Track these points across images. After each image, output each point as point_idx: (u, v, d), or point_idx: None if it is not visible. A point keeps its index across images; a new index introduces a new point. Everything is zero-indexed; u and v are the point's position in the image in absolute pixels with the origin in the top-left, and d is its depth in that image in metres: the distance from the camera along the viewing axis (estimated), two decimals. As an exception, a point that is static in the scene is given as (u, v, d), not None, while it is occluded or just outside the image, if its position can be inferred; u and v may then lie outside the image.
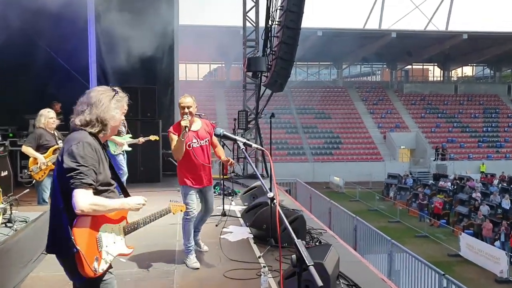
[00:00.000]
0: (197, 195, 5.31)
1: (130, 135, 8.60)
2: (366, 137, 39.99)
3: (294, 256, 1.88)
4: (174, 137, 4.97)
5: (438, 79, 52.23)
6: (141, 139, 8.60)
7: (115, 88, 2.84)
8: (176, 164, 5.22)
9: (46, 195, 6.55)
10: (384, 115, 42.79)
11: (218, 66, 51.84)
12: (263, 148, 3.22)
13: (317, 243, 5.86)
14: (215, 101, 41.20)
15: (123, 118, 2.91)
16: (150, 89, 11.00)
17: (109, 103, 2.74)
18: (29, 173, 6.45)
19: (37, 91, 10.53)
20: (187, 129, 4.80)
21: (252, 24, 12.75)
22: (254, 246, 6.00)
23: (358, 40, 39.86)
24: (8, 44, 10.27)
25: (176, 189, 10.08)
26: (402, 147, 38.88)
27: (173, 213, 3.39)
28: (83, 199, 2.48)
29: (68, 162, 2.55)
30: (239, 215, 7.65)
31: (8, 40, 10.35)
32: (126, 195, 2.97)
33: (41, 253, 5.27)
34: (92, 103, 2.72)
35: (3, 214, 4.95)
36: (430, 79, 53.68)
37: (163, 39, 11.58)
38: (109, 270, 2.81)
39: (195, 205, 5.21)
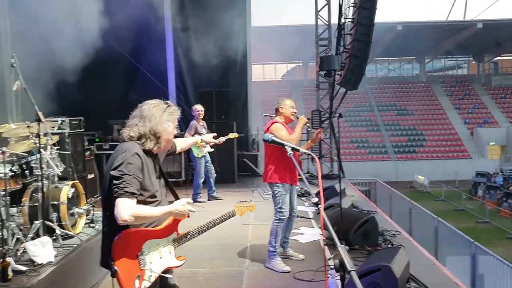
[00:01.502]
0: None
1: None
2: (451, 133, 38.19)
3: (337, 261, 1.87)
4: (282, 127, 5.13)
5: (531, 69, 48.66)
6: (221, 139, 8.78)
7: (167, 101, 2.88)
8: (251, 164, 5.30)
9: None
10: (471, 110, 40.64)
11: (296, 65, 51.92)
12: (311, 153, 3.16)
13: (389, 246, 5.71)
14: (294, 100, 41.26)
15: (203, 122, 2.98)
16: (224, 92, 11.26)
17: (161, 116, 2.77)
18: None
19: (120, 97, 11.13)
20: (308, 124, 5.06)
21: (324, 22, 12.64)
22: (325, 248, 5.95)
23: (441, 33, 38.15)
24: (94, 54, 10.98)
25: (251, 189, 10.29)
26: (491, 143, 36.65)
27: (240, 215, 3.29)
28: (125, 209, 2.49)
29: (113, 171, 2.58)
30: (311, 216, 7.62)
31: (94, 50, 11.08)
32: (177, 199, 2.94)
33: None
34: (145, 116, 2.75)
35: (87, 215, 5.32)
36: (522, 70, 50.16)
37: (236, 42, 11.83)
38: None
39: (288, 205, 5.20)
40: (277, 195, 5.11)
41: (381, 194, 15.97)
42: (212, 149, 8.70)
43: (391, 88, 44.50)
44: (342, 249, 1.85)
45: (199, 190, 8.98)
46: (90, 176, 8.34)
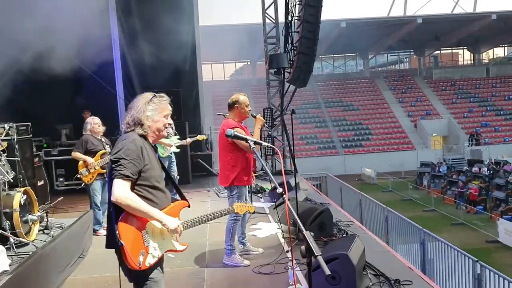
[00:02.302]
0: None
1: (178, 137, 8.75)
2: (396, 126, 39.56)
3: (303, 247, 1.96)
4: (240, 130, 4.84)
5: (469, 62, 51.04)
6: (189, 140, 8.74)
7: (158, 93, 3.08)
8: (205, 165, 5.32)
9: (98, 199, 6.77)
10: (414, 103, 42.22)
11: (243, 64, 52.07)
12: (273, 146, 3.31)
13: (344, 235, 5.90)
14: (242, 99, 41.36)
15: (169, 121, 3.07)
16: (175, 92, 11.19)
17: (144, 105, 2.96)
18: (78, 175, 6.69)
19: (67, 102, 10.87)
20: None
21: (271, 21, 12.79)
22: (283, 241, 6.09)
23: (383, 29, 39.46)
24: (38, 58, 10.64)
25: (206, 189, 10.30)
26: (434, 134, 38.29)
27: (239, 214, 3.59)
28: (120, 190, 2.72)
29: (112, 156, 2.84)
30: (267, 211, 7.75)
31: (37, 55, 10.74)
32: (182, 196, 3.20)
33: (78, 257, 5.50)
34: (131, 106, 3.01)
35: (40, 222, 5.19)
36: (460, 63, 52.50)
37: (185, 42, 11.78)
38: (159, 268, 2.97)
39: None
40: (234, 196, 5.20)
41: (332, 187, 16.36)
42: (178, 150, 8.66)
43: (336, 85, 45.53)
44: (307, 234, 1.93)
45: None
46: (40, 183, 8.13)
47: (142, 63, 11.48)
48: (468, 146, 36.20)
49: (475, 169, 27.72)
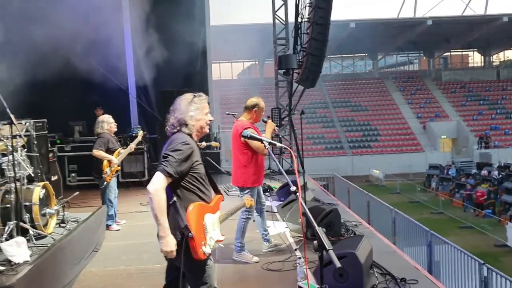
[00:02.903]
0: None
1: None
2: (405, 128, 39.43)
3: (315, 242, 2.09)
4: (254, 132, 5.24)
5: (479, 65, 50.68)
6: (204, 144, 8.75)
7: (196, 93, 3.27)
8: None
9: (112, 195, 6.95)
10: (423, 105, 42.05)
11: (251, 63, 52.18)
12: (287, 147, 3.44)
13: (351, 235, 6.02)
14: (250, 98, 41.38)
15: (210, 118, 3.27)
16: (185, 92, 11.32)
17: (186, 106, 3.16)
18: (103, 175, 6.80)
19: (80, 98, 11.03)
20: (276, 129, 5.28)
21: (281, 22, 12.92)
22: (291, 239, 6.22)
23: (392, 30, 39.34)
24: (51, 55, 10.83)
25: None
26: (443, 136, 38.09)
27: (247, 207, 3.92)
28: (156, 184, 2.87)
29: (164, 151, 3.02)
30: (276, 210, 7.87)
31: (52, 51, 10.92)
32: (217, 191, 3.38)
33: (92, 250, 5.67)
34: (174, 109, 3.20)
35: (57, 215, 5.37)
36: (470, 65, 52.21)
37: (196, 42, 11.93)
38: (209, 257, 3.14)
39: None
40: (246, 195, 5.30)
41: (340, 188, 16.43)
42: None
43: (345, 85, 45.43)
44: (320, 230, 2.06)
45: None
46: (53, 178, 8.31)
47: (154, 62, 11.64)
48: (477, 149, 36.00)
49: (484, 172, 27.61)
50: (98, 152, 6.71)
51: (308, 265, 5.06)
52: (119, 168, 6.91)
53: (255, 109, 5.40)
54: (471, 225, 20.16)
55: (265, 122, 5.45)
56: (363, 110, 41.65)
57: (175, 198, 3.01)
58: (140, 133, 7.97)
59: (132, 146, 7.28)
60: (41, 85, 10.36)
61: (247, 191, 5.37)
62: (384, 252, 5.52)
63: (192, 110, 3.16)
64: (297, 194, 2.54)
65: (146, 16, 11.82)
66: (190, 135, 3.14)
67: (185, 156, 2.99)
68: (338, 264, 1.94)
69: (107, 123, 6.99)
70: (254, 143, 5.04)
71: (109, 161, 6.77)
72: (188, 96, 3.24)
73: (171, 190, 3.01)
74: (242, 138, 5.09)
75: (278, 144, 3.38)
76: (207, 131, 3.35)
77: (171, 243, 2.90)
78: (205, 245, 2.99)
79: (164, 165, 2.92)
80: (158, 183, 2.87)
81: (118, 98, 11.32)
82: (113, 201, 7.00)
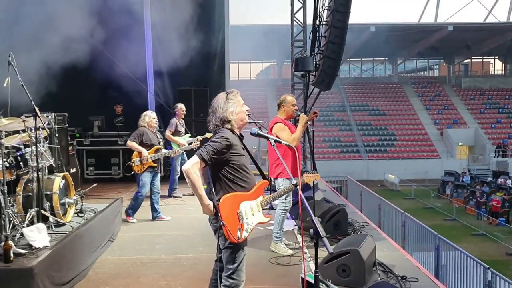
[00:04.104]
0: None
1: (189, 135, 9.16)
2: (422, 133, 39.22)
3: (311, 230, 2.26)
4: (284, 127, 5.58)
5: (500, 72, 50.12)
6: (199, 138, 9.11)
7: (228, 91, 3.63)
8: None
9: (144, 190, 7.18)
10: (441, 111, 41.76)
11: (270, 64, 52.35)
12: (291, 144, 3.65)
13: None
14: (267, 99, 41.62)
15: (246, 108, 3.59)
16: (203, 91, 11.57)
17: (224, 104, 3.51)
18: (130, 163, 7.12)
19: (99, 94, 11.32)
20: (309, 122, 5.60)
21: (299, 24, 13.07)
22: (299, 237, 6.40)
23: (413, 35, 39.12)
24: (72, 51, 11.13)
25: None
26: (460, 143, 37.80)
27: (308, 183, 4.19)
28: (191, 163, 3.26)
29: (207, 142, 3.40)
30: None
31: (72, 47, 11.23)
32: (263, 176, 3.72)
33: (108, 240, 5.93)
34: (214, 110, 3.53)
35: (75, 205, 5.63)
36: (491, 72, 51.64)
37: (214, 41, 12.12)
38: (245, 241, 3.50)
39: None
40: (281, 188, 5.59)
41: (352, 191, 16.50)
42: (192, 147, 9.02)
43: (363, 89, 45.36)
44: (316, 219, 2.24)
45: (175, 185, 9.33)
46: (72, 171, 8.60)
47: (173, 61, 11.86)
48: (494, 157, 35.68)
49: (500, 180, 27.37)
50: (130, 143, 6.99)
51: (314, 260, 5.23)
52: (154, 164, 7.11)
53: (282, 104, 5.75)
54: (483, 232, 20.08)
55: (298, 116, 5.73)
56: (380, 114, 41.53)
57: (212, 189, 3.41)
58: (199, 137, 8.58)
59: (188, 146, 7.96)
60: (63, 79, 10.68)
61: (281, 183, 5.63)
62: (388, 252, 5.67)
63: (231, 106, 3.50)
64: (298, 186, 2.72)
65: (167, 15, 12.05)
66: (231, 130, 3.46)
67: (221, 148, 3.32)
68: (330, 249, 2.11)
69: (148, 117, 7.26)
70: (284, 137, 5.33)
71: (139, 153, 7.01)
72: (222, 95, 3.58)
73: (213, 179, 3.42)
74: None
75: (283, 142, 3.57)
76: (248, 120, 3.65)
77: (210, 208, 3.31)
78: (241, 231, 3.35)
79: (201, 151, 3.30)
80: (191, 163, 3.25)
81: (137, 94, 11.56)
82: (143, 195, 7.22)
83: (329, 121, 40.07)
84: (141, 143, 7.03)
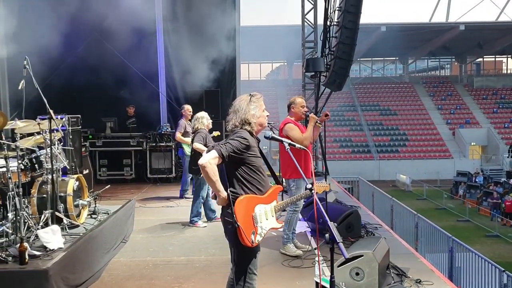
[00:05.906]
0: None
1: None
2: (434, 133, 38.96)
3: (327, 235, 2.25)
4: (294, 127, 5.58)
5: (512, 71, 49.69)
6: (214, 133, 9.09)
7: (252, 93, 3.61)
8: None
9: (204, 192, 7.08)
10: (453, 111, 41.46)
11: (280, 64, 52.31)
12: (305, 149, 3.64)
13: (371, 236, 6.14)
14: (277, 99, 41.53)
15: (267, 113, 3.61)
16: (214, 92, 11.60)
17: (247, 106, 3.50)
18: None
19: (112, 96, 11.39)
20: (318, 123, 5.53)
21: (310, 25, 13.05)
22: (312, 239, 6.37)
23: (424, 34, 38.87)
24: (85, 53, 11.23)
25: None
26: (472, 143, 37.49)
27: (319, 192, 4.03)
28: (209, 157, 3.23)
29: (226, 139, 3.41)
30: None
31: (85, 49, 11.33)
32: (277, 181, 3.76)
33: (120, 241, 5.95)
34: (235, 110, 3.53)
35: (89, 207, 5.67)
36: (504, 71, 51.14)
37: (225, 42, 12.12)
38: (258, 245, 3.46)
39: None
40: (292, 189, 5.63)
41: (364, 191, 16.41)
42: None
43: (374, 88, 45.17)
44: (331, 224, 2.23)
45: (187, 186, 9.33)
46: (85, 172, 8.66)
47: (185, 62, 11.89)
48: (508, 157, 35.31)
49: (514, 180, 27.12)
50: (197, 145, 6.87)
51: (326, 263, 5.22)
52: None
53: (292, 105, 5.75)
54: (497, 234, 19.89)
55: (307, 116, 5.70)
56: (391, 114, 41.33)
57: (230, 189, 3.35)
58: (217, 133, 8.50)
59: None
60: (75, 81, 10.77)
61: (292, 184, 5.63)
62: (402, 254, 5.62)
63: (253, 108, 3.51)
64: (313, 191, 2.71)
65: (178, 17, 12.09)
66: (250, 132, 3.47)
67: (240, 147, 3.32)
68: (346, 255, 2.10)
69: (206, 119, 7.23)
70: (294, 136, 5.37)
71: None
72: (245, 97, 3.57)
73: (229, 179, 3.39)
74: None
75: (297, 146, 3.56)
76: (267, 125, 3.67)
77: (225, 199, 3.31)
78: (255, 234, 3.30)
79: (220, 147, 3.29)
80: (209, 157, 3.23)
81: (148, 96, 11.62)
82: (205, 198, 7.15)
83: (340, 121, 39.95)
84: (204, 146, 7.02)
